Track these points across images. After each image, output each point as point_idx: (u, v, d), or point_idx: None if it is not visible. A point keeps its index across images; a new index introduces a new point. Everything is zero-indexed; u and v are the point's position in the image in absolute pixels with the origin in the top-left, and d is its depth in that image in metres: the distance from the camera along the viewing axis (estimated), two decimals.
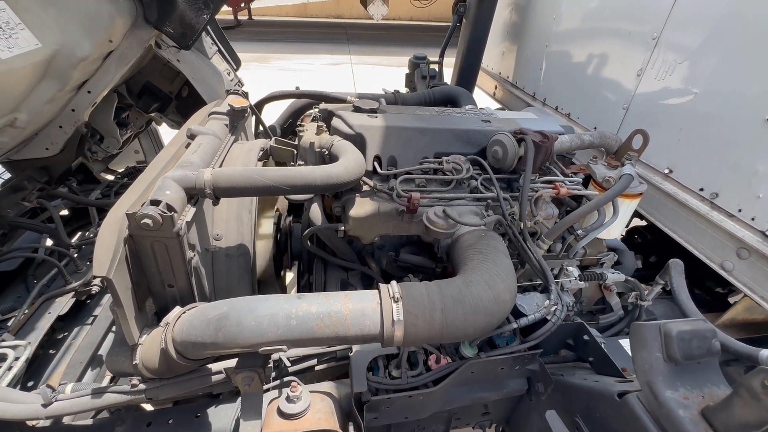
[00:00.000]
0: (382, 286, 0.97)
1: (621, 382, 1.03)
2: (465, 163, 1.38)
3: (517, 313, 1.18)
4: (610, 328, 1.63)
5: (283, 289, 1.88)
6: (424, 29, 16.68)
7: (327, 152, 1.34)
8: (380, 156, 1.42)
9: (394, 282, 0.97)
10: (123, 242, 1.02)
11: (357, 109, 1.53)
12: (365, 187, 1.39)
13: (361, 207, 1.32)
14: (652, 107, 1.60)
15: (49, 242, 2.09)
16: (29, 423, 1.23)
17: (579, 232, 1.35)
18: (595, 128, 1.95)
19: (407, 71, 3.02)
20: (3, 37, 1.44)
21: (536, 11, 2.46)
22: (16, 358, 1.42)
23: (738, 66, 1.27)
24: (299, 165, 1.47)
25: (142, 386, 1.14)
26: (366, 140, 1.40)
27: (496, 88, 3.06)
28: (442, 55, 2.90)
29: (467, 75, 2.92)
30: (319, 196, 1.47)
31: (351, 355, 1.14)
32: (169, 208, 1.03)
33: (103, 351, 1.93)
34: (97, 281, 1.86)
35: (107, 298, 2.05)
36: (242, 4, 13.02)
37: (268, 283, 1.73)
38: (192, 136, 1.46)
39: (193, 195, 1.15)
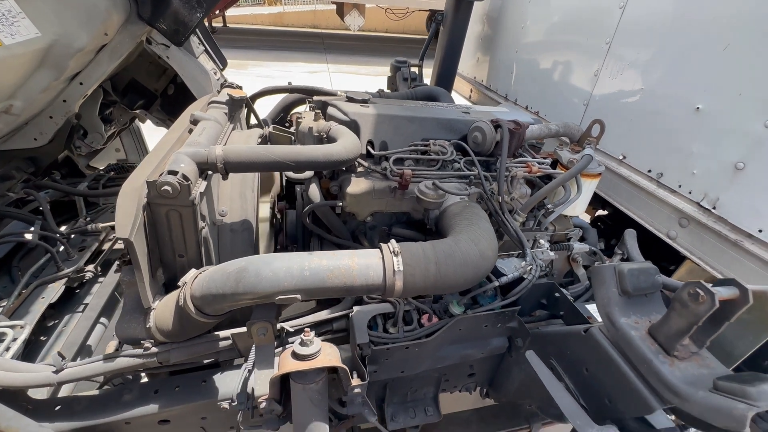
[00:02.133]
0: (382, 245, 1.10)
1: (574, 326, 1.20)
2: (449, 146, 1.55)
3: (498, 274, 1.34)
4: (577, 299, 1.83)
5: None
6: (398, 41, 17.14)
7: (325, 135, 1.47)
8: (373, 140, 1.56)
9: (393, 240, 1.11)
10: (142, 209, 1.10)
11: (350, 99, 1.67)
12: (359, 168, 1.52)
13: (357, 185, 1.45)
14: (607, 103, 1.84)
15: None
16: (35, 395, 1.25)
17: (549, 206, 1.53)
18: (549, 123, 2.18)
19: (389, 74, 3.20)
20: (6, 24, 1.48)
21: (506, 22, 2.71)
22: (14, 339, 1.43)
23: (673, 66, 1.52)
24: None
25: (154, 349, 1.20)
26: (360, 126, 1.54)
27: (471, 91, 3.29)
28: (421, 59, 3.10)
29: (445, 79, 3.13)
30: (317, 177, 1.59)
31: (352, 314, 1.26)
32: (185, 177, 1.13)
33: (92, 341, 1.94)
34: (90, 267, 1.88)
35: (97, 287, 2.06)
36: (217, 11, 12.99)
37: None
38: (195, 122, 1.55)
39: (204, 170, 1.24)
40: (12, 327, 1.45)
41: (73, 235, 2.05)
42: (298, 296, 1.01)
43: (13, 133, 1.90)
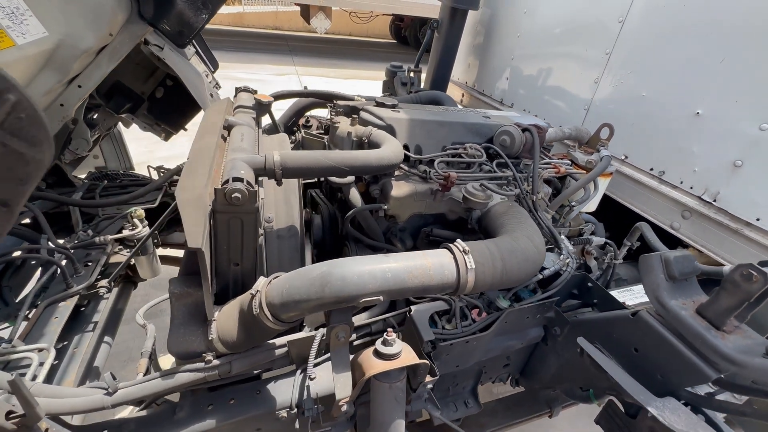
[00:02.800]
0: (450, 244, 1.15)
1: (621, 311, 1.32)
2: (480, 150, 1.63)
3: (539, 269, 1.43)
4: None
5: None
6: (363, 44, 17.22)
7: (366, 140, 1.49)
8: (408, 144, 1.61)
9: (459, 240, 1.16)
10: (208, 217, 1.07)
11: (380, 104, 1.70)
12: (397, 172, 1.56)
13: (400, 188, 1.49)
14: (608, 108, 2.02)
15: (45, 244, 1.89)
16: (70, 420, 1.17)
17: (573, 204, 1.66)
18: (560, 126, 2.34)
19: (385, 78, 3.25)
20: (16, 23, 1.37)
21: (501, 30, 2.86)
22: (40, 364, 1.32)
23: (673, 76, 1.70)
24: None
25: (216, 362, 1.16)
26: (396, 131, 1.58)
27: (462, 95, 3.42)
28: (417, 65, 3.18)
29: (439, 84, 3.23)
30: (354, 183, 1.61)
31: (412, 313, 1.30)
32: (251, 184, 1.11)
33: (99, 362, 1.82)
34: (103, 282, 1.75)
35: (104, 304, 1.92)
36: None
37: None
38: (229, 128, 1.51)
39: (260, 175, 1.22)
40: (36, 351, 1.33)
41: (74, 251, 1.90)
42: (381, 297, 1.03)
43: None
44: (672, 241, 1.81)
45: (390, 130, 1.57)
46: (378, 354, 1.03)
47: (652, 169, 1.83)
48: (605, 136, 1.80)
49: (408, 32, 16.70)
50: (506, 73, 2.80)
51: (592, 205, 1.84)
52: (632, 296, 1.80)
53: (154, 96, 2.91)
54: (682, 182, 1.71)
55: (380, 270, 1.02)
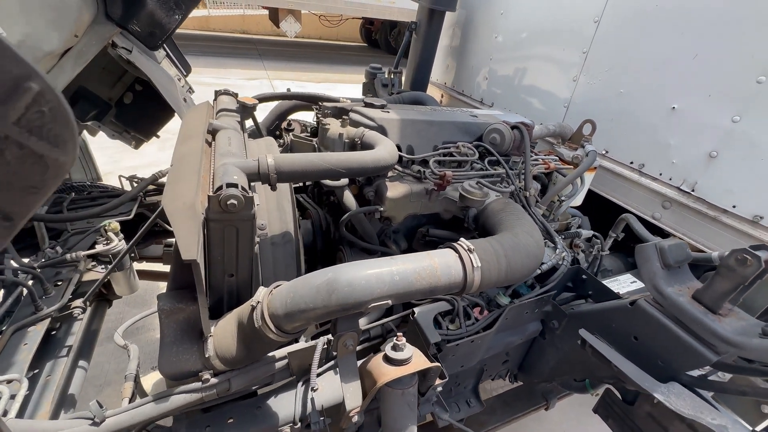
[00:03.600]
0: (453, 244, 1.14)
1: (620, 300, 1.35)
2: (472, 148, 1.63)
3: None
4: None
5: None
6: (333, 48, 17.13)
7: (359, 141, 1.46)
8: (399, 145, 1.59)
9: (462, 239, 1.15)
10: (202, 226, 1.00)
11: (369, 105, 1.68)
12: (391, 173, 1.54)
13: (396, 189, 1.47)
14: (587, 104, 2.08)
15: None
16: None
17: (563, 199, 1.69)
18: (541, 123, 2.40)
19: (364, 80, 3.22)
20: None
21: (478, 31, 2.91)
22: (12, 396, 1.20)
23: (649, 73, 1.78)
24: None
25: (214, 380, 1.09)
26: (387, 131, 1.56)
27: (442, 96, 3.45)
28: (396, 67, 3.18)
29: (419, 85, 3.24)
30: (348, 186, 1.57)
31: (415, 315, 1.27)
32: (245, 189, 1.05)
33: (74, 389, 1.69)
34: (78, 303, 1.62)
35: (78, 326, 1.78)
36: None
37: None
38: (214, 132, 1.44)
39: (253, 180, 1.17)
40: (5, 383, 1.21)
41: (39, 270, 1.74)
42: (389, 301, 1.00)
43: None
44: (653, 231, 1.88)
45: (381, 130, 1.55)
46: (388, 360, 1.00)
47: (632, 163, 1.90)
48: (588, 132, 1.85)
49: (378, 36, 16.79)
50: (485, 73, 2.85)
51: (579, 200, 1.89)
52: (619, 286, 1.85)
53: (123, 102, 2.75)
54: (661, 174, 1.78)
55: (388, 273, 0.99)
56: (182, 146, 1.40)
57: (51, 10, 1.53)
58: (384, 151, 1.34)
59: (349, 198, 1.51)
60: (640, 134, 1.85)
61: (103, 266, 1.84)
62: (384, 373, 0.97)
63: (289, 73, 11.61)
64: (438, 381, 1.11)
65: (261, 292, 1.04)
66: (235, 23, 17.16)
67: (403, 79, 3.33)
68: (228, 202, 0.98)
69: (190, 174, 1.17)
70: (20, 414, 1.39)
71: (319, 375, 1.26)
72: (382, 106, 1.69)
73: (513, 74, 2.61)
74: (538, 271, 1.41)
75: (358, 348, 1.53)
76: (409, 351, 1.01)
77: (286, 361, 1.24)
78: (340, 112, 1.71)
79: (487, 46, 2.80)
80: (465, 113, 1.89)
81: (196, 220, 0.99)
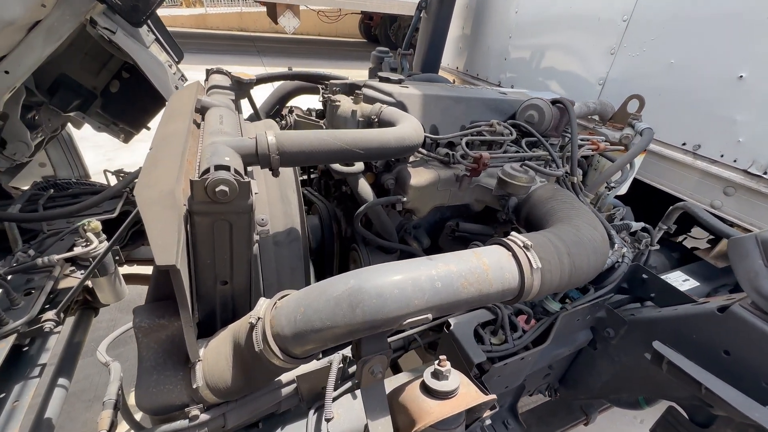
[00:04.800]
0: (506, 239, 0.90)
1: (699, 305, 1.12)
2: (507, 127, 1.40)
3: None
4: None
5: None
6: (332, 44, 16.87)
7: (376, 119, 1.23)
8: (422, 125, 1.35)
9: (514, 233, 0.91)
10: (184, 221, 0.77)
11: (384, 80, 1.44)
12: (413, 158, 1.31)
13: (420, 176, 1.23)
14: (628, 79, 1.84)
15: None
16: None
17: (612, 184, 1.45)
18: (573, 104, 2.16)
19: (370, 65, 2.99)
20: None
21: (495, 7, 2.66)
22: None
23: (708, 38, 1.54)
24: None
25: (204, 417, 0.86)
26: (408, 108, 1.32)
27: (453, 81, 3.20)
28: (407, 48, 2.93)
29: (430, 67, 3.00)
30: (362, 173, 1.33)
31: (451, 329, 1.04)
32: (240, 173, 0.82)
33: (52, 413, 1.47)
34: (50, 315, 1.39)
35: (54, 340, 1.55)
36: None
37: None
38: (203, 110, 1.20)
39: (250, 164, 0.93)
40: None
41: (10, 276, 1.52)
42: (429, 316, 0.77)
43: None
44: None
45: (401, 107, 1.31)
46: (429, 391, 0.77)
47: (684, 144, 1.66)
48: (634, 109, 1.61)
49: (378, 31, 16.50)
50: (504, 52, 2.60)
51: (624, 188, 1.65)
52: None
53: (109, 91, 2.52)
54: (723, 155, 1.54)
55: (427, 279, 0.76)
56: (165, 127, 1.17)
57: None
58: (409, 128, 1.10)
59: (364, 187, 1.27)
60: (696, 111, 1.60)
61: (82, 271, 1.61)
62: (427, 411, 0.74)
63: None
64: (487, 412, 0.88)
65: (262, 305, 0.80)
66: (233, 21, 16.94)
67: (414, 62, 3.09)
68: (217, 189, 0.75)
69: (172, 157, 0.93)
70: None
71: (334, 400, 1.02)
72: (400, 81, 1.45)
73: (535, 52, 2.37)
74: None
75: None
76: (455, 379, 0.78)
77: (294, 386, 1.01)
78: (351, 88, 1.47)
79: (505, 23, 2.55)
80: (493, 90, 1.65)
81: (175, 212, 0.75)
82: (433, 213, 1.52)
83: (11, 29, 1.37)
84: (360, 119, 1.28)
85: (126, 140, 2.71)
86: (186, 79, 2.86)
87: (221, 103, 1.24)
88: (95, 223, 1.63)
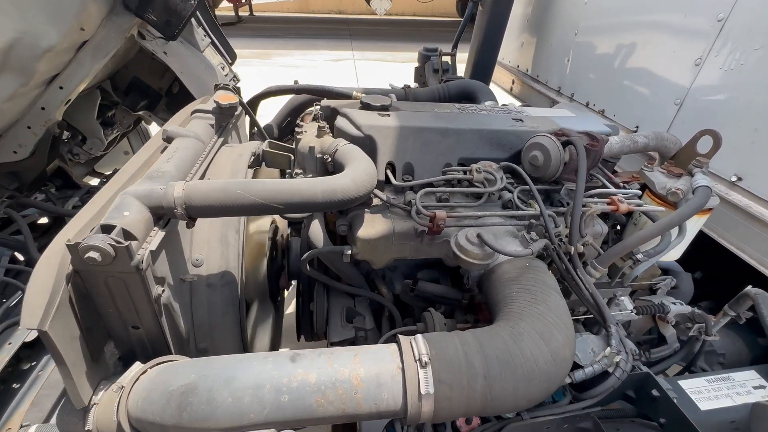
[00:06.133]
0: (403, 340, 0.73)
1: None
2: (497, 171, 1.14)
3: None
4: (660, 362, 1.39)
5: (279, 314, 1.65)
6: (427, 24, 16.35)
7: (330, 159, 1.10)
8: (394, 162, 1.18)
9: (419, 337, 0.73)
10: (66, 280, 0.79)
11: (365, 106, 1.28)
12: (375, 201, 1.15)
13: (372, 226, 1.08)
14: (714, 103, 1.35)
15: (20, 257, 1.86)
16: None
17: (639, 256, 1.10)
18: (637, 127, 1.69)
19: (416, 65, 2.77)
20: None
21: None
22: None
23: None
24: (296, 174, 1.23)
25: None
26: (377, 143, 1.16)
27: (513, 82, 2.80)
28: (455, 47, 2.64)
29: (483, 68, 2.66)
30: (321, 212, 1.23)
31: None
32: (126, 235, 0.80)
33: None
34: None
35: None
36: (242, 0, 12.80)
37: (263, 308, 1.50)
38: (168, 139, 1.22)
39: (162, 215, 0.91)
40: None
41: None
42: (272, 431, 0.66)
43: None
44: None
45: (369, 142, 1.16)
46: None
47: None
48: (705, 149, 1.17)
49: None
50: (567, 52, 2.15)
51: (676, 253, 1.24)
52: (730, 390, 1.19)
53: (171, 91, 2.79)
54: None
55: (271, 389, 0.65)
56: (135, 157, 1.22)
57: (48, 5, 1.46)
58: (347, 177, 0.96)
59: (316, 230, 1.17)
60: None
61: None
62: None
63: (375, 54, 11.38)
64: None
65: (132, 371, 0.79)
66: (333, 4, 17.51)
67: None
68: (85, 256, 0.74)
69: (101, 201, 0.96)
70: None
71: None
72: (383, 108, 1.28)
73: (603, 55, 1.90)
74: (569, 380, 0.91)
75: None
76: None
77: None
78: (333, 114, 1.35)
79: (572, 17, 2.10)
80: (507, 115, 1.37)
81: (55, 272, 0.77)
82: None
83: (54, 53, 1.57)
84: (318, 156, 1.16)
85: None
86: (239, 80, 3.02)
87: (190, 132, 1.24)
88: None
